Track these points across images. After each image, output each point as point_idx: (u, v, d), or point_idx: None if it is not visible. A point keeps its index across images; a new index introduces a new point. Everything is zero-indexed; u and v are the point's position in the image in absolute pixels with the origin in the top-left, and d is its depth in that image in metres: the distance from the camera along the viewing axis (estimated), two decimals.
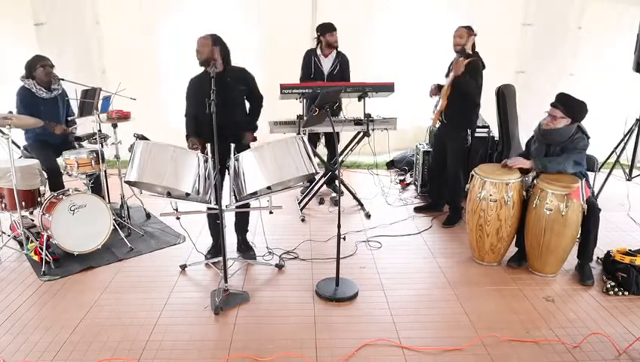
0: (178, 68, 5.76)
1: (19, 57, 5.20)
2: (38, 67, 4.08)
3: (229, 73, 3.46)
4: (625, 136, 5.05)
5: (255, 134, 3.66)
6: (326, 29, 4.81)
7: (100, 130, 4.02)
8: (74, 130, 4.35)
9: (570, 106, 3.38)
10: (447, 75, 4.29)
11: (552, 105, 3.43)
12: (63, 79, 4.21)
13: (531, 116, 5.34)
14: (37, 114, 4.02)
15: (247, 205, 3.51)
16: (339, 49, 4.94)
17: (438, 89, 4.35)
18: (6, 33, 5.38)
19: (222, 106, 3.32)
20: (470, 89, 4.07)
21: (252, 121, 3.67)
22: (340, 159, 4.41)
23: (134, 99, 4.18)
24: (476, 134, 4.51)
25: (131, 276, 3.51)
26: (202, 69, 3.47)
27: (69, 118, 4.26)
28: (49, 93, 4.14)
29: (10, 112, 3.65)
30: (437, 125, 4.47)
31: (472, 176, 3.67)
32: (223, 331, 2.86)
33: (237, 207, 3.30)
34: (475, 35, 4.11)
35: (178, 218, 3.34)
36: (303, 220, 4.52)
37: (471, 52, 4.09)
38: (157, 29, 5.71)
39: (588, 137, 3.44)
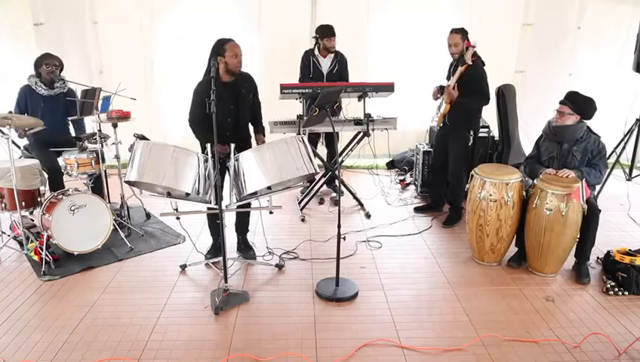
0: (176, 69, 5.78)
1: (18, 57, 5.23)
2: (43, 65, 4.09)
3: (241, 82, 3.45)
4: (625, 136, 5.06)
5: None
6: (325, 33, 4.80)
7: (100, 130, 4.02)
8: (83, 131, 4.37)
9: (578, 103, 3.42)
10: (448, 78, 4.29)
11: (561, 102, 3.48)
12: (63, 79, 4.22)
13: (530, 115, 5.37)
14: (36, 111, 4.03)
15: (247, 205, 3.51)
16: (338, 49, 4.95)
17: (440, 90, 4.34)
18: (5, 33, 5.38)
19: (235, 115, 3.41)
20: (473, 105, 4.11)
21: (260, 124, 3.70)
22: (340, 159, 4.41)
23: (134, 99, 4.18)
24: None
25: (131, 276, 3.51)
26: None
27: (70, 118, 4.26)
28: (49, 91, 4.14)
29: (10, 112, 3.65)
30: (440, 126, 4.48)
31: (472, 176, 3.67)
32: (223, 331, 2.86)
33: (237, 207, 3.30)
34: (474, 46, 4.04)
35: (178, 218, 3.35)
36: (303, 220, 4.52)
37: (470, 62, 4.03)
38: (156, 31, 5.71)
39: (599, 137, 3.47)
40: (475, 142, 4.39)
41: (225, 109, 3.32)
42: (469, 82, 4.04)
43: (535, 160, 3.69)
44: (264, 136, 3.70)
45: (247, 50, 5.77)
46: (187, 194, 3.08)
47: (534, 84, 5.87)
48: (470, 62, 3.99)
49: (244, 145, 3.33)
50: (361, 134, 4.69)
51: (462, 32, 4.07)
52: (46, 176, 3.98)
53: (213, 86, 3.00)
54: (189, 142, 3.84)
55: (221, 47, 3.30)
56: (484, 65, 4.13)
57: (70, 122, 4.30)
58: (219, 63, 3.28)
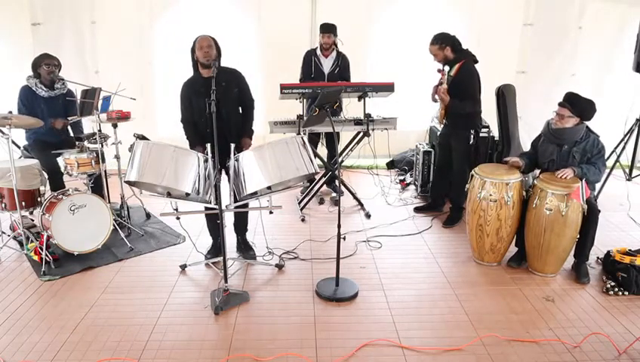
0: (174, 70, 5.76)
1: (15, 57, 5.22)
2: (42, 65, 4.08)
3: (222, 76, 3.39)
4: (625, 136, 5.06)
5: (254, 135, 3.65)
6: (321, 30, 4.83)
7: (100, 130, 4.02)
8: (81, 131, 4.37)
9: (577, 105, 3.38)
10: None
11: (560, 104, 3.44)
12: (63, 79, 4.22)
13: (532, 116, 5.37)
14: (35, 112, 4.03)
15: (246, 205, 3.51)
16: (339, 50, 4.95)
17: (437, 87, 4.35)
18: (3, 33, 5.37)
19: (219, 110, 3.33)
20: (463, 110, 4.12)
21: (247, 125, 3.61)
22: (340, 159, 4.42)
23: (134, 99, 4.18)
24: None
25: (131, 276, 3.51)
26: (192, 72, 3.47)
27: (70, 118, 4.26)
28: (49, 92, 4.14)
29: (10, 112, 3.65)
30: (442, 125, 4.49)
31: (472, 176, 3.67)
32: (223, 331, 2.87)
33: (236, 207, 3.30)
34: (449, 44, 4.07)
35: (178, 218, 3.35)
36: (303, 220, 4.52)
37: (453, 56, 4.09)
38: (154, 29, 5.69)
39: (598, 136, 3.46)
40: (477, 141, 4.39)
41: (204, 104, 3.16)
42: (459, 84, 4.06)
43: (525, 157, 3.68)
44: (250, 139, 3.56)
45: (246, 50, 5.81)
46: (187, 194, 3.08)
47: (536, 84, 5.86)
48: (446, 85, 4.08)
49: (237, 144, 3.27)
50: (361, 134, 4.70)
51: (438, 41, 4.10)
52: (46, 176, 3.98)
53: (214, 86, 3.00)
54: (186, 143, 3.83)
55: (193, 45, 3.40)
56: (476, 62, 4.13)
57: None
58: (196, 60, 3.40)
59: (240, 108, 3.60)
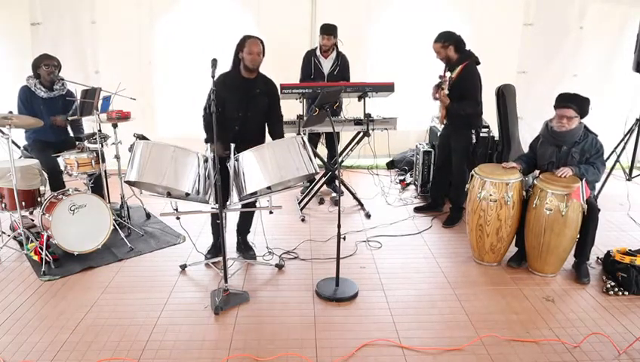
0: (174, 70, 5.76)
1: (14, 57, 5.22)
2: (42, 66, 4.08)
3: (259, 82, 3.45)
4: (625, 136, 5.06)
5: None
6: (321, 31, 4.83)
7: (100, 130, 4.02)
8: (81, 131, 4.37)
9: (580, 104, 3.38)
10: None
11: (563, 105, 3.38)
12: (63, 79, 4.22)
13: (532, 116, 5.37)
14: (35, 113, 4.03)
15: (250, 206, 3.50)
16: (339, 50, 4.95)
17: (438, 87, 4.35)
18: (2, 33, 5.36)
19: (245, 111, 3.37)
20: (464, 110, 4.12)
21: (278, 135, 3.53)
22: (340, 159, 4.42)
23: (134, 99, 4.18)
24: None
25: (131, 276, 3.51)
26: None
27: (70, 118, 4.26)
28: (48, 93, 4.14)
29: (11, 112, 3.65)
30: (442, 126, 4.49)
31: (472, 176, 3.67)
32: (223, 331, 2.87)
33: (240, 207, 3.29)
34: (452, 43, 4.08)
35: (178, 218, 3.35)
36: (303, 220, 4.52)
37: (455, 56, 4.10)
38: (154, 29, 5.68)
39: (596, 136, 3.46)
40: (477, 141, 4.38)
41: (236, 101, 3.34)
42: (460, 85, 4.06)
43: (523, 160, 3.68)
44: None
45: None
46: (187, 194, 3.08)
47: (536, 84, 5.86)
48: (447, 91, 4.09)
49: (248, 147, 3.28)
50: (361, 134, 4.70)
51: (441, 40, 4.11)
52: (46, 176, 3.98)
53: (213, 86, 3.00)
54: (185, 143, 3.82)
55: (242, 42, 3.39)
56: (478, 63, 4.13)
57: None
58: (239, 57, 3.39)
59: (266, 119, 3.54)
